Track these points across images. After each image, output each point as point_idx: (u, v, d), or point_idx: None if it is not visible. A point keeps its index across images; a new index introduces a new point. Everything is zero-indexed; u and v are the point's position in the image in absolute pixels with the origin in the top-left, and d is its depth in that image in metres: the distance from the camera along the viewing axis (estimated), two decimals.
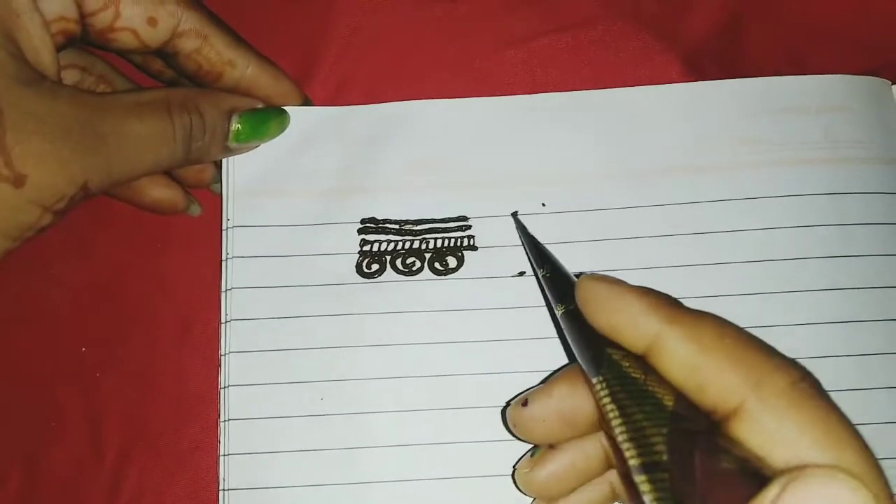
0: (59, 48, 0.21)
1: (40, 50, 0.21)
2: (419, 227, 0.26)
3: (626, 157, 0.27)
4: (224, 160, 0.26)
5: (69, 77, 0.24)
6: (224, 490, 0.24)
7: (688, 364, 0.16)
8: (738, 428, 0.15)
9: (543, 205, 0.26)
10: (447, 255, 0.26)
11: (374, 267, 0.26)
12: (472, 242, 0.26)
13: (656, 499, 0.15)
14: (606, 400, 0.17)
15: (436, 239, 0.26)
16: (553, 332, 0.25)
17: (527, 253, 0.25)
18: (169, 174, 0.26)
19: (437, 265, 0.26)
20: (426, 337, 0.25)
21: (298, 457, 0.24)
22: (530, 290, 0.25)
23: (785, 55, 0.28)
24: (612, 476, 0.21)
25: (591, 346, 0.19)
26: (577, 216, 0.26)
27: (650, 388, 0.17)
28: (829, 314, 0.25)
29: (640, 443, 0.15)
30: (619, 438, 0.16)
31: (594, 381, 0.18)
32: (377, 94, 0.28)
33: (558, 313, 0.21)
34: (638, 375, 0.17)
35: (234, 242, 0.26)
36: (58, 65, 0.21)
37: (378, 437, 0.24)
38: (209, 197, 0.28)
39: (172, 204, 0.26)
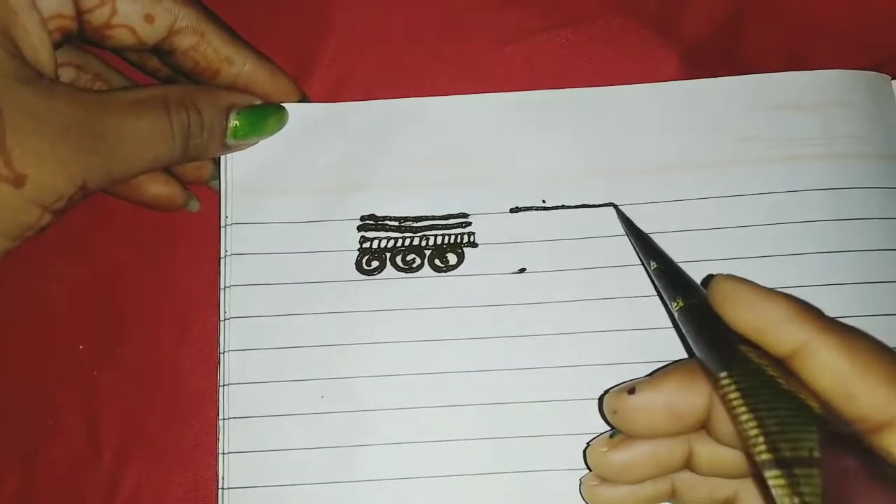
0: (55, 46, 0.21)
1: (38, 48, 0.20)
2: (419, 224, 0.26)
3: (624, 154, 0.26)
4: (222, 157, 0.26)
5: (65, 75, 0.24)
6: (223, 489, 0.24)
7: (839, 373, 0.17)
8: (890, 440, 0.16)
9: (544, 201, 0.26)
10: (447, 252, 0.26)
11: (374, 264, 0.26)
12: (472, 239, 0.26)
13: (789, 494, 0.15)
14: (735, 395, 0.17)
15: (436, 236, 0.26)
16: (552, 329, 0.25)
17: (634, 246, 0.25)
18: (167, 171, 0.26)
19: (437, 262, 0.26)
20: (426, 334, 0.25)
21: (298, 455, 0.24)
22: (531, 286, 0.25)
23: (784, 51, 0.28)
24: (679, 476, 0.21)
25: (719, 342, 0.19)
26: (575, 212, 0.26)
27: (791, 388, 0.17)
28: (829, 309, 0.25)
29: (779, 438, 0.16)
30: (751, 433, 0.16)
31: (722, 375, 0.18)
32: (375, 91, 0.28)
33: (675, 307, 0.21)
34: (776, 374, 0.17)
35: (233, 239, 0.26)
36: (55, 63, 0.21)
37: (378, 435, 0.24)
38: (208, 194, 0.27)
39: (171, 200, 0.26)
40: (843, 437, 0.16)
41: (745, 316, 0.18)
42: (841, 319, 0.24)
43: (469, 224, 0.26)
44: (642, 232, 0.25)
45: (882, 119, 0.27)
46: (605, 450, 0.21)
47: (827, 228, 0.25)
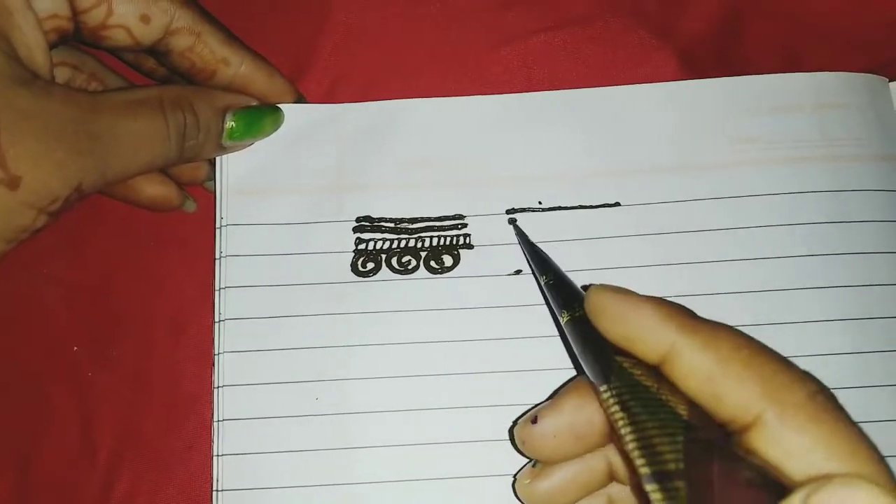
0: (51, 46, 0.21)
1: (33, 48, 0.20)
2: (415, 226, 0.26)
3: (622, 155, 0.26)
4: (218, 158, 0.26)
5: (60, 75, 0.24)
6: (217, 490, 0.24)
7: (704, 374, 0.16)
8: (756, 439, 0.15)
9: (540, 202, 0.26)
10: (443, 254, 0.26)
11: (370, 266, 0.26)
12: (467, 241, 0.26)
13: None
14: (615, 409, 0.17)
15: (431, 237, 0.26)
16: (548, 331, 0.25)
17: (528, 260, 0.25)
18: (163, 171, 0.26)
19: (432, 264, 0.26)
20: (422, 336, 0.25)
21: (293, 457, 0.24)
22: (527, 288, 0.25)
23: (782, 53, 0.28)
24: (612, 489, 0.21)
25: (599, 355, 0.19)
26: (572, 214, 0.26)
27: (663, 397, 0.16)
28: (828, 312, 0.25)
29: (651, 451, 0.15)
30: (630, 447, 0.16)
31: (602, 389, 0.18)
32: (372, 92, 0.28)
33: (563, 321, 0.21)
34: (650, 384, 0.17)
35: (228, 241, 0.26)
36: (51, 63, 0.21)
37: (373, 437, 0.24)
38: (203, 195, 0.27)
39: (167, 201, 0.26)
40: (704, 443, 0.15)
41: (614, 326, 0.18)
42: (841, 321, 0.24)
43: (465, 226, 0.26)
44: (536, 246, 0.25)
45: (880, 121, 0.27)
46: (528, 481, 0.21)
47: (825, 230, 0.25)
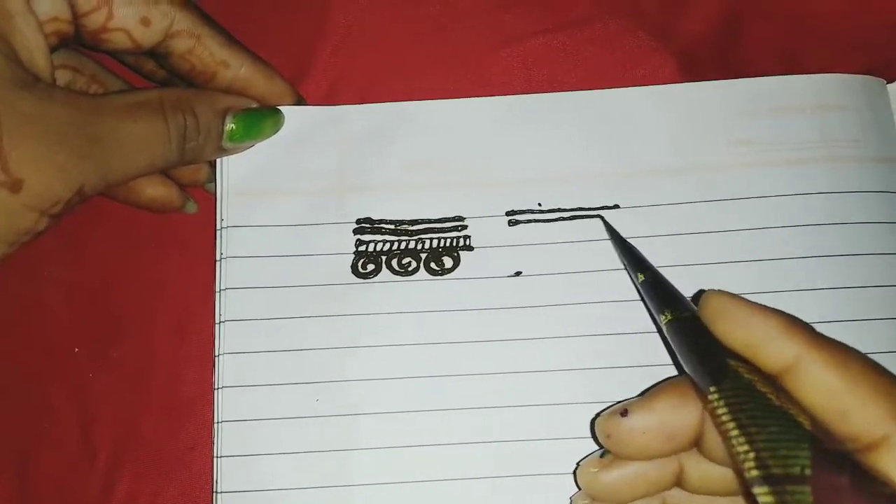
0: (52, 49, 0.21)
1: (34, 51, 0.20)
2: (415, 228, 0.26)
3: (621, 157, 0.26)
4: (218, 161, 0.26)
5: (61, 78, 0.24)
6: (218, 493, 0.24)
7: (831, 390, 0.16)
8: (881, 459, 0.15)
9: (539, 204, 0.26)
10: (443, 256, 0.26)
11: (370, 267, 0.26)
12: (468, 242, 0.26)
13: None
14: (724, 410, 0.17)
15: (432, 239, 0.26)
16: (549, 332, 0.25)
17: (621, 258, 0.25)
18: (164, 173, 0.26)
19: (433, 265, 0.26)
20: (422, 338, 0.25)
21: (293, 459, 0.24)
22: (527, 290, 0.25)
23: (781, 54, 0.28)
24: (669, 493, 0.21)
25: (710, 358, 0.18)
26: (571, 216, 0.26)
27: (782, 404, 0.17)
28: (827, 313, 0.25)
29: (764, 455, 0.15)
30: (741, 449, 0.16)
31: (712, 390, 0.18)
32: (371, 94, 0.28)
33: (664, 320, 0.21)
34: (766, 390, 0.17)
35: (229, 243, 0.26)
36: (52, 66, 0.21)
37: (373, 438, 0.24)
38: (205, 197, 0.27)
39: (168, 202, 0.26)
40: (834, 455, 0.15)
41: (736, 331, 0.18)
42: (840, 323, 0.24)
43: (465, 227, 0.26)
44: (629, 243, 0.25)
45: (878, 122, 0.27)
46: (595, 470, 0.21)
47: (824, 231, 0.25)
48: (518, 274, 0.26)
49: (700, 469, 0.20)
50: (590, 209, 0.26)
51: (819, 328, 0.24)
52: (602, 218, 0.26)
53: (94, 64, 0.25)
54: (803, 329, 0.18)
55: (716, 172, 0.26)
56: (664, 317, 0.21)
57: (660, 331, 0.24)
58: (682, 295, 0.22)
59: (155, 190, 0.26)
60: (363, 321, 0.25)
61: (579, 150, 0.27)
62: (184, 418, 0.26)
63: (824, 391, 0.17)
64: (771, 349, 0.18)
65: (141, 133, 0.22)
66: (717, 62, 0.28)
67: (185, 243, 0.27)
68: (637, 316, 0.25)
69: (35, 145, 0.19)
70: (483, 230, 0.26)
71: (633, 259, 0.24)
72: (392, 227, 0.26)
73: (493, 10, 0.29)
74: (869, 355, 0.23)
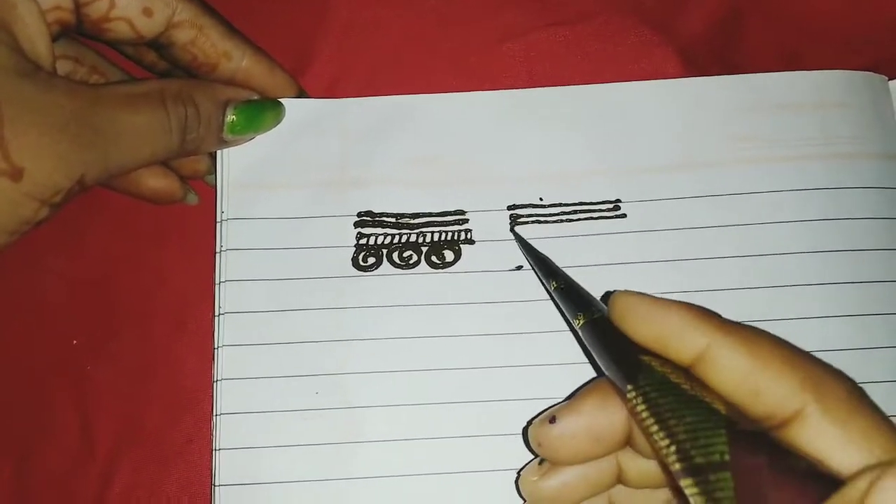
0: (54, 38, 0.21)
1: (36, 40, 0.20)
2: (416, 221, 0.26)
3: (622, 152, 0.27)
4: (219, 153, 0.26)
5: (61, 68, 0.24)
6: (216, 486, 0.24)
7: (742, 371, 0.17)
8: (796, 434, 0.15)
9: (541, 199, 0.26)
10: (444, 249, 0.26)
11: (371, 260, 0.26)
12: (469, 236, 0.26)
13: (705, 501, 0.15)
14: (643, 407, 0.17)
15: (433, 232, 0.26)
16: (548, 326, 0.25)
17: (532, 266, 0.25)
18: (164, 164, 0.26)
19: (434, 259, 0.26)
20: (423, 331, 0.25)
21: (292, 451, 0.24)
22: (528, 284, 0.25)
23: (782, 50, 0.29)
24: (613, 491, 0.21)
25: (623, 356, 0.19)
26: (572, 210, 0.26)
27: (697, 394, 0.17)
28: (827, 309, 0.25)
29: (690, 446, 0.16)
30: (662, 444, 0.16)
31: (629, 388, 0.18)
32: (373, 87, 0.28)
33: (578, 324, 0.21)
34: (680, 381, 0.17)
35: (229, 235, 0.26)
36: (53, 56, 0.21)
37: (373, 431, 0.24)
38: (205, 189, 0.27)
39: (169, 193, 0.26)
40: (750, 435, 0.15)
41: (644, 328, 0.18)
42: (840, 318, 0.24)
43: (466, 221, 0.26)
44: (540, 253, 0.25)
45: (879, 119, 0.27)
46: (535, 478, 0.21)
47: (825, 227, 0.25)
48: (519, 268, 0.26)
49: (637, 465, 0.20)
50: (591, 204, 0.26)
51: (819, 323, 0.24)
52: (514, 231, 0.26)
53: (94, 54, 0.25)
54: (710, 317, 0.18)
55: (717, 168, 0.26)
56: (578, 320, 0.21)
57: (576, 335, 0.24)
58: (594, 299, 0.22)
59: (156, 181, 0.26)
60: (363, 314, 0.25)
61: (581, 144, 0.27)
62: (183, 411, 0.25)
63: (735, 374, 0.17)
64: (681, 340, 0.18)
65: (142, 123, 0.22)
66: (719, 58, 0.28)
67: (185, 236, 0.27)
68: None
69: (36, 134, 0.19)
70: (484, 224, 0.26)
71: (544, 268, 0.24)
72: (393, 220, 0.26)
73: (495, 4, 0.29)
74: (869, 352, 0.23)
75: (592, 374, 0.24)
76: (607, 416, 0.20)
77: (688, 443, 0.16)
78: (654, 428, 0.16)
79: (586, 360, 0.25)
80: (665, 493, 0.21)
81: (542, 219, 0.26)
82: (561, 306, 0.23)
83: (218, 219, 0.26)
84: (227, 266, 0.25)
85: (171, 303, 0.26)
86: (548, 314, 0.25)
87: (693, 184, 0.26)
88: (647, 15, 0.29)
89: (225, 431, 0.24)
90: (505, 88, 0.27)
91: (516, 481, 0.22)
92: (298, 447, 0.24)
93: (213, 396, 0.25)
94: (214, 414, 0.24)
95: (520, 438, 0.24)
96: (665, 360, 0.18)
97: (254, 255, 0.26)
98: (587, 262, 0.25)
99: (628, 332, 0.19)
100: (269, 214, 0.26)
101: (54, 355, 0.26)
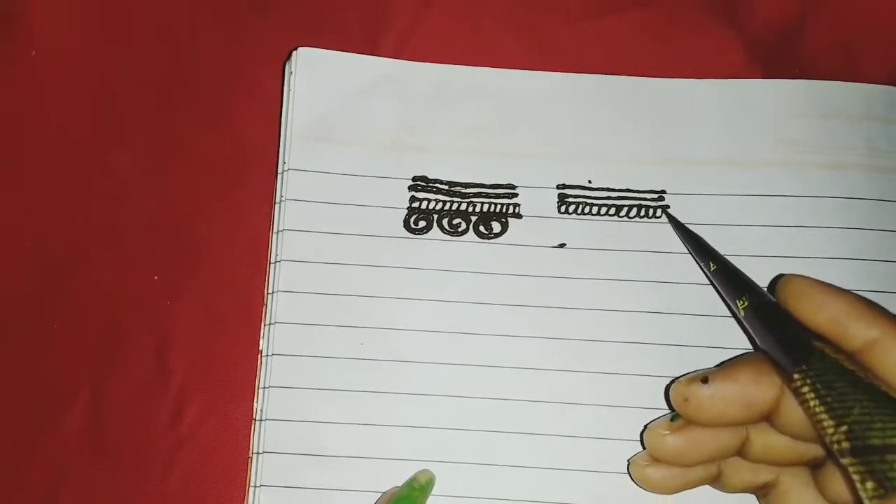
0: None
1: None
2: (468, 190, 0.27)
3: (672, 145, 0.27)
4: (285, 103, 0.27)
5: None
6: (259, 420, 0.25)
7: None
8: None
9: (589, 181, 0.27)
10: (492, 220, 0.27)
11: (422, 224, 0.27)
12: (517, 210, 0.27)
13: (872, 480, 0.16)
14: (809, 388, 0.18)
15: (483, 203, 0.27)
16: (586, 304, 0.26)
17: (688, 249, 0.26)
18: None
19: (481, 228, 0.27)
20: (464, 296, 0.26)
21: (334, 395, 0.25)
22: (570, 261, 0.26)
23: (841, 49, 0.29)
24: (727, 460, 0.22)
25: (794, 340, 0.20)
26: (619, 195, 0.27)
27: (869, 379, 0.18)
28: None
29: (859, 427, 0.17)
30: (828, 423, 0.17)
31: (797, 370, 0.19)
32: (443, 54, 0.28)
33: (741, 306, 0.22)
34: (854, 368, 0.18)
35: (288, 185, 0.27)
36: None
37: (411, 385, 0.25)
38: (269, 142, 0.28)
39: None
40: None
41: (820, 312, 0.20)
42: None
43: (516, 195, 0.27)
44: (695, 234, 0.26)
45: None
46: (666, 432, 0.22)
47: (864, 236, 0.26)
48: (562, 245, 0.27)
49: (763, 440, 0.21)
50: (637, 192, 0.27)
51: None
52: (667, 212, 0.27)
53: None
54: (881, 310, 0.19)
55: (760, 168, 0.27)
56: (741, 303, 0.22)
57: (735, 316, 0.25)
58: (753, 282, 0.23)
59: None
60: (411, 274, 0.26)
61: (633, 134, 0.27)
62: (251, 348, 0.26)
63: None
64: (853, 328, 0.19)
65: None
66: (781, 52, 0.29)
67: (266, 181, 0.27)
68: (672, 296, 0.26)
69: None
70: (533, 200, 0.27)
71: (701, 250, 0.25)
72: (446, 187, 0.27)
73: None
74: None
75: (626, 348, 0.25)
76: (760, 389, 0.20)
77: (863, 424, 0.17)
78: (821, 408, 0.18)
79: (618, 340, 0.26)
80: (773, 472, 0.22)
81: (588, 201, 0.27)
82: (719, 288, 0.24)
83: (279, 169, 0.27)
84: (285, 216, 0.26)
85: (249, 246, 0.27)
86: (588, 292, 0.26)
87: (736, 182, 0.27)
88: (718, 5, 0.29)
89: (274, 370, 0.25)
90: (574, 68, 0.27)
91: (641, 432, 0.23)
92: (341, 392, 0.25)
93: (264, 338, 0.26)
94: (264, 354, 0.26)
95: (545, 406, 0.25)
96: (836, 348, 0.19)
97: (310, 207, 0.27)
98: (629, 247, 0.26)
99: (801, 315, 0.20)
100: (328, 169, 0.27)
101: (135, 289, 0.27)
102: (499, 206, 0.27)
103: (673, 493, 0.23)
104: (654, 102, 0.28)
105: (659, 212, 0.27)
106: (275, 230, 0.27)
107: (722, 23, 0.29)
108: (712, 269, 0.24)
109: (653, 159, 0.27)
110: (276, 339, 0.26)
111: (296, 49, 0.28)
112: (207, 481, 0.25)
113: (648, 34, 0.29)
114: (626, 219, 0.27)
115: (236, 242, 0.27)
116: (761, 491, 0.22)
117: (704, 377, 0.21)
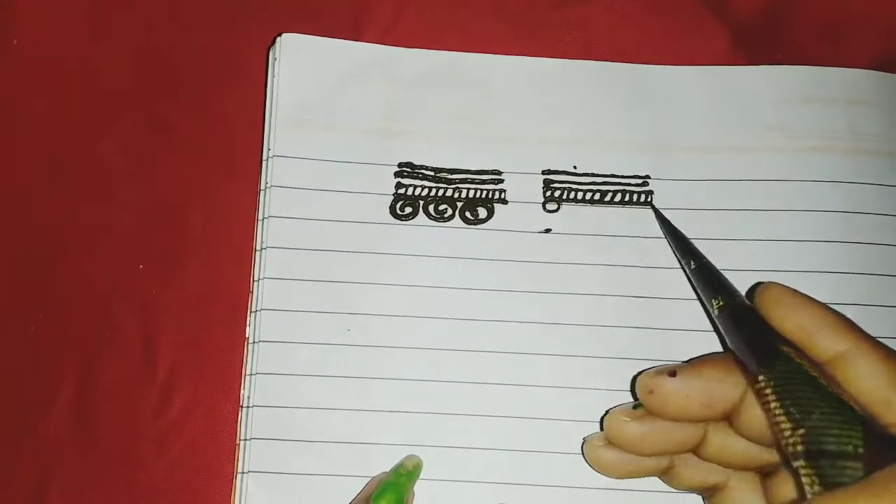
0: None
1: None
2: (454, 176, 0.27)
3: (657, 132, 0.28)
4: (269, 89, 0.27)
5: None
6: (247, 407, 0.25)
7: (878, 380, 0.18)
8: None
9: (575, 167, 0.27)
10: (478, 206, 0.27)
11: (408, 210, 0.27)
12: (503, 196, 0.27)
13: (821, 484, 0.16)
14: (772, 391, 0.18)
15: (468, 189, 0.27)
16: (570, 289, 0.26)
17: (670, 244, 0.26)
18: None
19: (467, 214, 0.27)
20: (450, 281, 0.26)
21: (321, 381, 0.25)
22: (555, 246, 0.26)
23: (827, 33, 0.29)
24: (680, 455, 0.22)
25: (763, 342, 0.20)
26: (603, 180, 0.27)
27: (831, 387, 0.18)
28: (837, 296, 0.25)
29: (815, 432, 0.17)
30: (786, 426, 0.18)
31: (763, 371, 0.19)
32: (427, 39, 0.28)
33: (716, 306, 0.22)
34: (816, 374, 0.19)
35: (273, 172, 0.27)
36: None
37: (397, 371, 0.25)
38: (255, 129, 0.28)
39: None
40: (886, 438, 0.17)
41: (792, 319, 0.20)
42: (848, 307, 0.26)
43: (502, 181, 0.27)
44: (679, 231, 0.26)
45: None
46: (626, 419, 0.22)
47: (845, 219, 0.26)
48: (548, 231, 0.27)
49: (720, 440, 0.21)
50: (621, 177, 0.27)
51: None
52: (653, 206, 0.27)
53: None
54: (852, 324, 0.20)
55: (744, 154, 0.27)
56: (716, 302, 0.22)
57: (708, 314, 0.25)
58: (730, 283, 0.23)
59: None
60: (397, 260, 0.26)
61: (619, 120, 0.28)
62: (238, 336, 0.26)
63: (872, 381, 0.18)
64: (823, 338, 0.19)
65: None
66: (766, 37, 0.29)
67: (253, 170, 0.27)
68: (658, 283, 0.26)
69: None
70: (518, 186, 0.27)
71: (683, 247, 0.25)
72: (432, 173, 0.27)
73: None
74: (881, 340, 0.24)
75: (612, 332, 0.26)
76: (724, 388, 0.21)
77: (820, 429, 0.17)
78: (781, 411, 0.18)
79: (600, 324, 0.26)
80: (724, 473, 0.22)
81: (574, 186, 0.27)
82: (696, 286, 0.25)
83: (263, 156, 0.27)
84: (271, 202, 0.26)
85: (235, 234, 0.27)
86: (573, 277, 0.26)
87: (720, 168, 0.27)
88: None
89: (260, 357, 0.25)
90: (557, 54, 0.28)
91: (603, 416, 0.23)
92: (327, 377, 0.25)
93: (250, 325, 0.26)
94: (251, 341, 0.26)
95: (534, 390, 0.25)
96: (802, 354, 0.19)
97: (296, 193, 0.27)
98: (613, 233, 0.27)
99: (774, 320, 0.20)
100: (314, 155, 0.27)
101: (121, 278, 0.27)
102: (484, 192, 0.27)
103: (622, 478, 0.23)
104: (639, 89, 0.28)
105: (643, 197, 0.27)
106: (260, 217, 0.27)
107: (706, 9, 0.29)
108: (692, 266, 0.24)
109: (637, 145, 0.27)
110: (262, 325, 0.26)
111: (280, 35, 0.28)
112: (196, 468, 0.25)
113: (632, 20, 0.29)
114: (610, 204, 0.27)
115: (222, 230, 0.27)
116: (708, 492, 0.23)
117: (672, 371, 0.21)
